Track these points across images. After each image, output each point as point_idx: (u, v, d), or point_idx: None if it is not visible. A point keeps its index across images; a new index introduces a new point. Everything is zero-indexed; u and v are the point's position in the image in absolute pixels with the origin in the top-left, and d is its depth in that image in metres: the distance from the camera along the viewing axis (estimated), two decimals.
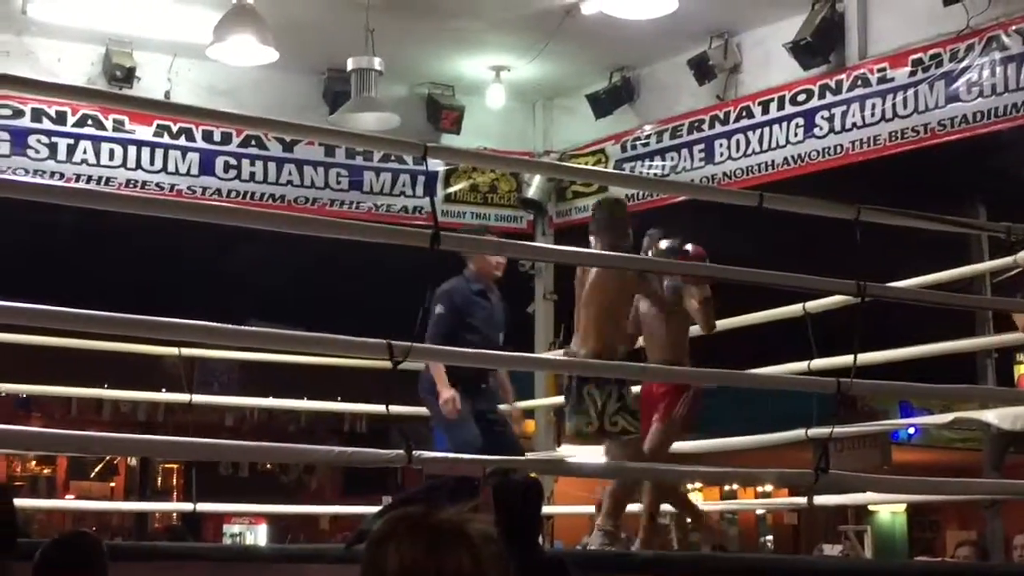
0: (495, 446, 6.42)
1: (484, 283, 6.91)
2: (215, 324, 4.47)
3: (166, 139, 9.17)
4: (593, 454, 6.84)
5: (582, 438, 6.31)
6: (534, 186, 10.34)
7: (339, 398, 9.53)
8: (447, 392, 6.45)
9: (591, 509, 10.62)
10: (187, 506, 8.72)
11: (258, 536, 16.11)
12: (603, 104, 9.89)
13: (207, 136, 9.29)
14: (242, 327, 4.89)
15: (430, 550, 1.69)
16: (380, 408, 6.98)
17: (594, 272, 6.33)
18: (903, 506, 17.77)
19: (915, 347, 7.02)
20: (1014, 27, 7.60)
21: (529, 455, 8.60)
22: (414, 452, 4.40)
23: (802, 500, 8.00)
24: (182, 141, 9.22)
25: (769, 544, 20.61)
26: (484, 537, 1.72)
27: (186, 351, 7.82)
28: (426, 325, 6.41)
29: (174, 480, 16.50)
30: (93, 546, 3.82)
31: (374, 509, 8.25)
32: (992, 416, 7.29)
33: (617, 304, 6.40)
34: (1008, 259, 6.58)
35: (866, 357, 6.28)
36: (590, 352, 6.24)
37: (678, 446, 7.71)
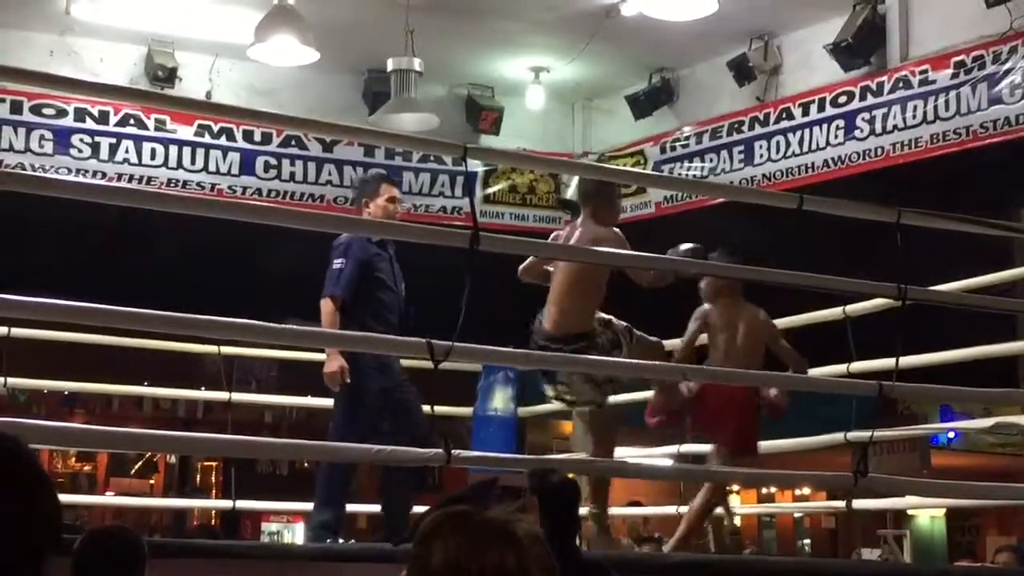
0: (405, 424, 6.14)
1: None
2: (256, 322, 4.49)
3: (207, 139, 9.24)
4: (634, 454, 6.83)
5: (587, 399, 5.96)
6: (572, 187, 10.33)
7: None
8: (335, 362, 5.97)
9: (627, 511, 10.62)
10: (226, 504, 8.78)
11: (296, 534, 16.15)
12: (642, 105, 9.88)
13: (248, 136, 9.35)
14: (282, 326, 4.91)
15: (474, 547, 1.70)
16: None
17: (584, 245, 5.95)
18: (942, 510, 17.63)
19: (956, 351, 6.97)
20: None
21: (566, 456, 8.60)
22: (453, 452, 4.41)
23: (840, 504, 7.95)
24: (223, 141, 9.29)
25: (807, 548, 20.50)
26: (530, 537, 1.73)
27: (226, 349, 7.86)
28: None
29: (213, 478, 16.56)
30: (132, 539, 3.84)
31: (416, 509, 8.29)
32: None
33: (600, 283, 6.06)
34: None
35: (907, 360, 6.25)
36: (575, 331, 5.92)
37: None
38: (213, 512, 14.17)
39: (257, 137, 9.39)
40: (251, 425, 13.16)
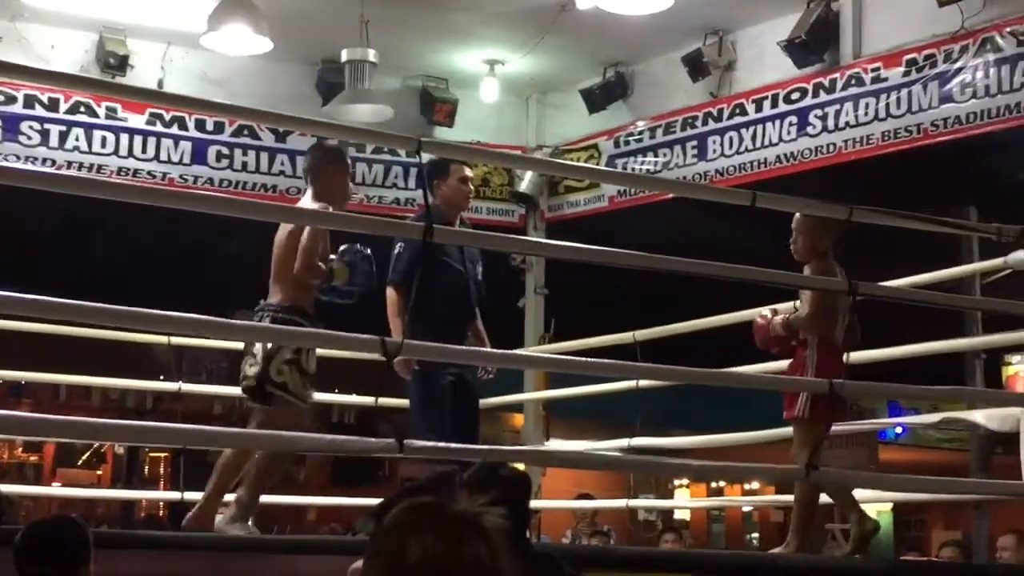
0: (455, 421, 6.21)
1: (452, 215, 6.56)
2: (208, 317, 4.45)
3: (159, 127, 9.16)
4: (583, 447, 6.84)
5: (245, 384, 5.84)
6: (526, 180, 10.34)
7: (329, 389, 9.53)
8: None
9: (577, 504, 10.65)
10: (174, 495, 8.71)
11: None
12: (596, 99, 9.89)
13: (200, 125, 9.28)
14: (235, 322, 4.89)
15: (451, 541, 1.69)
16: (369, 399, 6.98)
17: (282, 227, 5.91)
18: (889, 505, 17.81)
19: (904, 347, 7.03)
20: (1008, 29, 7.62)
21: (520, 448, 8.58)
22: (405, 442, 4.40)
23: (789, 498, 8.00)
24: (175, 130, 9.21)
25: (755, 541, 20.65)
26: (498, 530, 1.73)
27: (175, 340, 7.81)
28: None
29: (161, 469, 16.48)
30: (76, 530, 3.80)
31: (361, 501, 8.26)
32: (980, 417, 7.31)
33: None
34: (998, 260, 6.60)
35: (856, 356, 6.30)
36: (280, 301, 5.87)
37: (668, 441, 7.72)
38: (161, 504, 14.08)
39: (209, 126, 9.32)
40: (200, 416, 13.07)
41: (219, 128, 9.35)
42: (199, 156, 9.28)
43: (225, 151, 9.39)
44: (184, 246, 10.59)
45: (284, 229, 5.90)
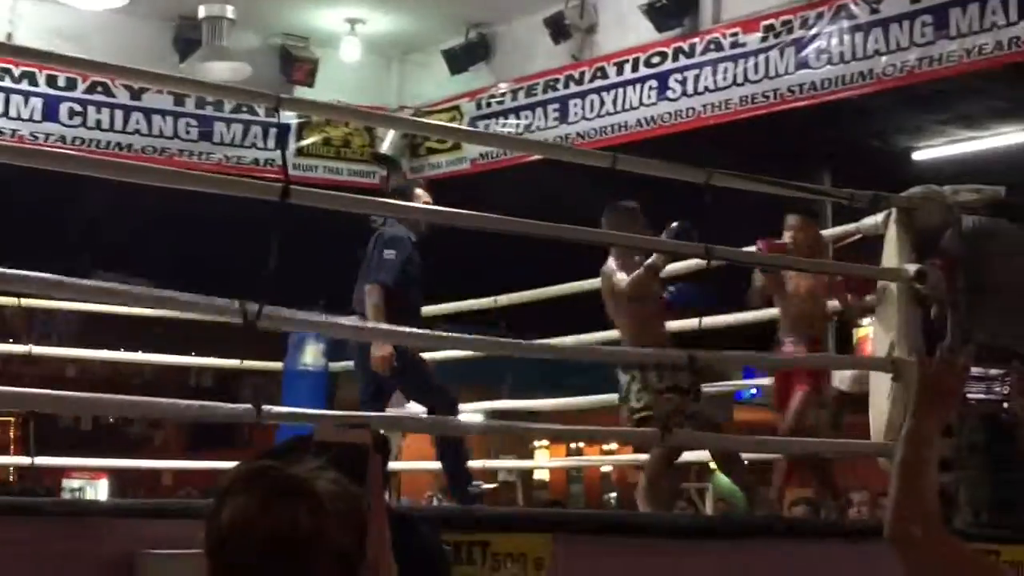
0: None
1: (418, 232, 6.75)
2: (66, 278, 4.32)
3: (7, 83, 8.89)
4: None
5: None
6: (388, 141, 10.26)
7: (187, 352, 9.41)
8: (384, 348, 6.30)
9: (436, 465, 10.65)
10: (24, 460, 8.52)
11: (99, 491, 15.80)
12: (459, 61, 9.86)
13: (51, 81, 9.02)
14: (93, 282, 4.76)
15: (264, 504, 1.65)
16: (229, 362, 6.89)
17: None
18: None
19: (761, 311, 7.14)
20: None
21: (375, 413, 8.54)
22: (263, 408, 4.34)
23: (646, 457, 8.10)
24: (24, 85, 8.95)
25: (613, 501, 20.89)
26: (333, 495, 1.68)
27: (26, 301, 7.61)
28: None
29: (11, 433, 16.09)
30: None
31: (219, 464, 8.16)
32: (833, 378, 7.45)
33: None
34: (851, 225, 6.72)
35: (710, 322, 6.40)
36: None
37: (529, 404, 7.74)
38: (11, 469, 13.76)
39: (61, 82, 9.07)
40: (52, 379, 12.75)
41: (72, 85, 9.10)
42: (50, 113, 9.03)
43: (78, 108, 9.16)
44: (30, 205, 10.29)
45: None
